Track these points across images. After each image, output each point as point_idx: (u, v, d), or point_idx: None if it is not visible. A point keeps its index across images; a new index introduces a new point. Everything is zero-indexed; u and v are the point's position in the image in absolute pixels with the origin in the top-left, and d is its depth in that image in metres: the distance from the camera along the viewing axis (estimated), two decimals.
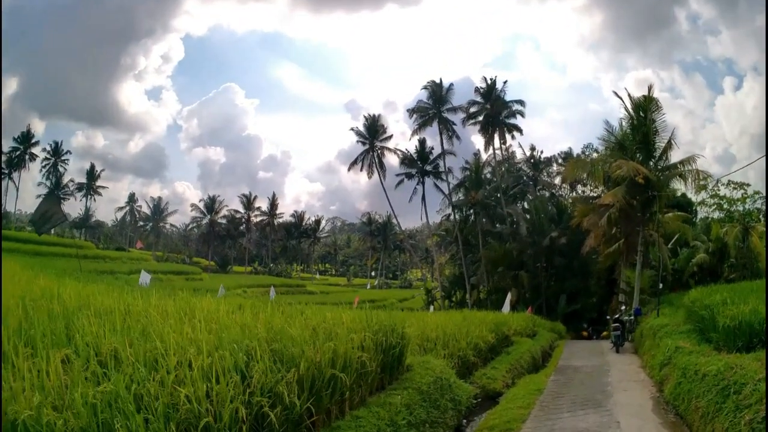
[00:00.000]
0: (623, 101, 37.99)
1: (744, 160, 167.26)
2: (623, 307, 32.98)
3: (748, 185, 66.30)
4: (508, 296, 38.06)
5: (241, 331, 8.48)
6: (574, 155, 72.93)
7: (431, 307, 58.02)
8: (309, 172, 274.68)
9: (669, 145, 36.96)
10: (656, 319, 24.38)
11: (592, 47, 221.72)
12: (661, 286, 31.49)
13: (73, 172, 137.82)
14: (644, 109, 36.84)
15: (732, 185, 66.49)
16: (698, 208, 61.85)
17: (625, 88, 42.96)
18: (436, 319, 20.72)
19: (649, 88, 37.44)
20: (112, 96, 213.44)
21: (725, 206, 65.36)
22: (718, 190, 65.86)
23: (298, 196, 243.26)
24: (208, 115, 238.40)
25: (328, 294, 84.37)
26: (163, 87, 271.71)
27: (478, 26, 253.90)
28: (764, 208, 61.87)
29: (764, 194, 63.34)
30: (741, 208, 63.36)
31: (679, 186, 38.93)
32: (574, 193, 74.13)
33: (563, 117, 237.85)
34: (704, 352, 14.06)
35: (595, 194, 54.35)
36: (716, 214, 64.12)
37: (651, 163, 36.85)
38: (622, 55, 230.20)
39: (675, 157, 37.71)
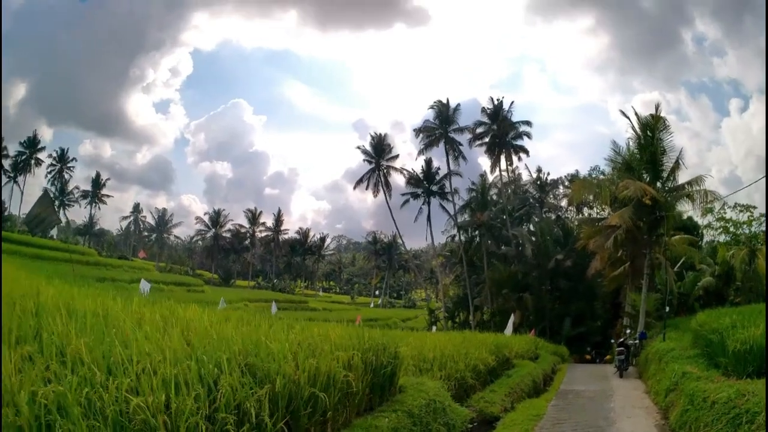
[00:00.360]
0: (630, 120, 37.51)
1: (749, 182, 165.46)
2: (628, 331, 32.27)
3: (755, 207, 65.77)
4: (511, 318, 37.40)
5: (217, 342, 7.82)
6: (581, 177, 71.53)
7: (434, 328, 57.43)
8: (316, 190, 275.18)
9: (677, 165, 36.33)
10: (662, 343, 23.59)
11: (599, 69, 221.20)
12: (667, 309, 30.79)
13: (80, 180, 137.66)
14: (652, 128, 36.24)
15: (738, 208, 65.85)
16: (704, 231, 60.94)
17: (632, 107, 42.38)
18: (435, 340, 20.08)
19: (657, 107, 37.03)
20: (120, 106, 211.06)
21: (731, 229, 64.86)
22: (725, 212, 65.81)
23: (305, 213, 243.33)
24: (215, 130, 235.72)
25: (330, 311, 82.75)
26: (171, 100, 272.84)
27: (486, 47, 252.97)
28: None
29: None
30: (747, 231, 62.83)
31: (686, 208, 38.08)
32: (580, 216, 72.86)
33: (570, 139, 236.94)
34: (713, 378, 13.39)
35: (601, 216, 53.36)
36: (722, 237, 62.57)
37: (658, 184, 36.16)
38: (628, 76, 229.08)
39: (682, 178, 37.14)
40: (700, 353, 17.30)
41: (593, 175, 57.41)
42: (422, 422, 11.08)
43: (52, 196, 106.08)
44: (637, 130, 37.17)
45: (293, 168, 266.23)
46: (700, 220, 56.18)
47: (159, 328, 8.32)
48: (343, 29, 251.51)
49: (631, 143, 38.49)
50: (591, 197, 44.35)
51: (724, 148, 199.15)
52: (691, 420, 11.89)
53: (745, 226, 62.59)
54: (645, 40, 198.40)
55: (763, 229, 59.61)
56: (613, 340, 34.91)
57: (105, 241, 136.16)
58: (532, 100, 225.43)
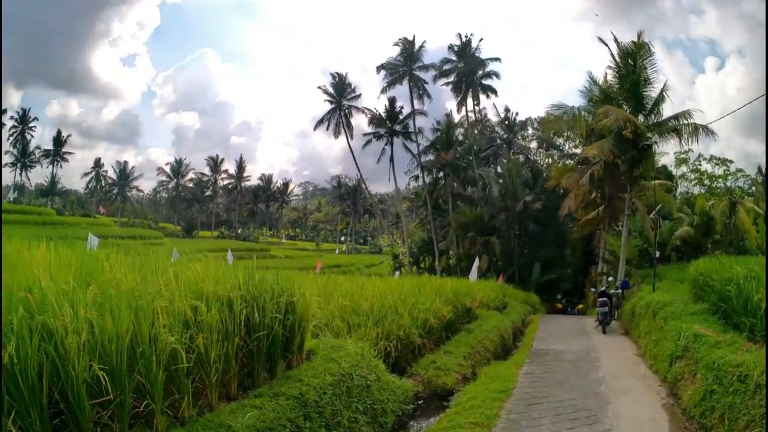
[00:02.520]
0: (609, 48, 33.26)
1: (723, 139, 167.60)
2: (609, 279, 28.63)
3: (731, 162, 65.68)
4: (476, 263, 33.64)
5: None
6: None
7: (397, 273, 54.15)
8: (283, 138, 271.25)
9: (661, 98, 32.26)
10: (653, 294, 19.94)
11: (575, 20, 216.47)
12: (657, 254, 27.24)
13: (49, 141, 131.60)
14: (633, 56, 32.16)
15: (714, 161, 65.79)
16: (678, 182, 59.29)
17: (612, 32, 37.97)
18: (379, 286, 16.40)
19: (639, 34, 32.67)
20: (87, 62, 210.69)
21: (706, 181, 64.06)
22: (699, 164, 66.89)
23: (272, 161, 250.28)
24: (182, 81, 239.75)
25: (292, 258, 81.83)
26: (137, 54, 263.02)
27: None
28: (747, 186, 62.55)
29: (747, 173, 66.10)
30: (723, 185, 64.16)
31: (671, 146, 34.76)
32: (549, 160, 70.11)
33: (543, 91, 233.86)
34: (739, 345, 10.06)
35: (575, 153, 50.16)
36: (696, 189, 64.37)
37: (641, 118, 32.25)
38: (603, 28, 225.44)
39: (667, 113, 32.95)
40: (707, 309, 13.76)
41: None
42: (323, 413, 7.55)
43: (13, 158, 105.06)
44: (617, 58, 33.06)
45: (260, 116, 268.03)
46: (675, 170, 56.04)
47: None
48: None
49: (609, 74, 34.47)
50: (565, 130, 39.95)
51: (697, 104, 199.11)
52: (724, 407, 8.53)
53: (720, 179, 65.10)
54: None
55: (739, 184, 64.12)
56: (593, 289, 31.51)
57: (67, 200, 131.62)
58: (505, 51, 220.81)
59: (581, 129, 34.50)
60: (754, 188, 60.38)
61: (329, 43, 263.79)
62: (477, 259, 34.76)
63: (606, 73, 34.77)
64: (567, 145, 69.05)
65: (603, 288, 24.47)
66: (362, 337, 11.52)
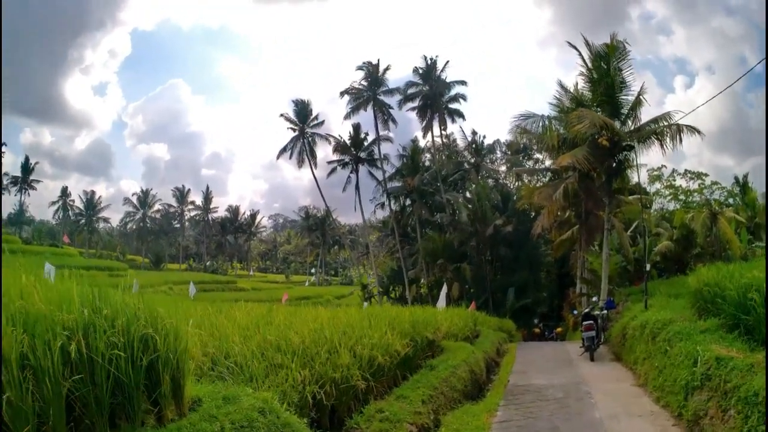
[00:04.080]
0: (579, 52, 30.86)
1: (693, 156, 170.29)
2: (594, 299, 25.71)
3: (706, 175, 66.42)
4: (444, 289, 30.66)
5: None
6: (520, 145, 67.00)
7: (366, 304, 51.53)
8: (253, 170, 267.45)
9: (638, 102, 29.83)
10: (646, 312, 17.15)
11: (541, 44, 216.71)
12: (648, 268, 24.53)
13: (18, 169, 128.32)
14: (607, 59, 29.73)
15: (689, 175, 66.44)
16: (653, 199, 58.89)
17: (582, 34, 35.27)
18: (321, 317, 13.53)
19: (612, 36, 30.21)
20: (59, 90, 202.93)
21: (681, 196, 64.61)
22: (674, 180, 68.43)
23: (243, 193, 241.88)
24: (153, 112, 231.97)
25: (260, 291, 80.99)
26: (109, 82, 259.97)
27: (427, 21, 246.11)
28: (724, 198, 62.52)
29: (722, 186, 66.36)
30: (698, 198, 64.78)
31: (644, 163, 32.75)
32: (519, 183, 68.43)
33: (510, 111, 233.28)
34: None
35: (546, 166, 48.09)
36: (672, 205, 65.06)
37: (617, 125, 29.68)
38: (571, 53, 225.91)
39: (645, 119, 30.63)
40: (721, 324, 11.05)
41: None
42: None
43: None
44: (588, 62, 30.66)
45: (231, 148, 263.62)
46: (649, 187, 55.89)
47: None
48: (280, 1, 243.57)
49: (580, 82, 32.01)
50: (534, 144, 37.36)
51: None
52: None
53: (695, 193, 66.59)
54: (589, 15, 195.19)
55: (715, 197, 63.95)
56: (575, 311, 28.94)
57: (34, 230, 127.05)
58: (471, 75, 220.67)
59: (552, 139, 31.94)
60: (731, 199, 60.60)
61: (299, 75, 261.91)
62: (445, 286, 31.89)
63: (577, 82, 32.49)
64: (537, 164, 67.15)
65: (587, 309, 21.46)
66: (282, 381, 8.65)
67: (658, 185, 66.96)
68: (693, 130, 27.84)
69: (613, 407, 11.16)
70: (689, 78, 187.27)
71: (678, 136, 27.72)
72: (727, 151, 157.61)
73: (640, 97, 29.82)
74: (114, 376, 5.55)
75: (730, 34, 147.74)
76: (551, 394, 13.11)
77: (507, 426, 10.13)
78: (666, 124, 28.41)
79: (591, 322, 18.96)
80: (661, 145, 28.45)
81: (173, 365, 6.35)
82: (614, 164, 29.94)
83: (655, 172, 65.39)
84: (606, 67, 29.63)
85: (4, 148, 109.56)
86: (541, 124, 32.66)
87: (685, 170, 68.12)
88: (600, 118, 27.04)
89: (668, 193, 68.18)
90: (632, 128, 29.83)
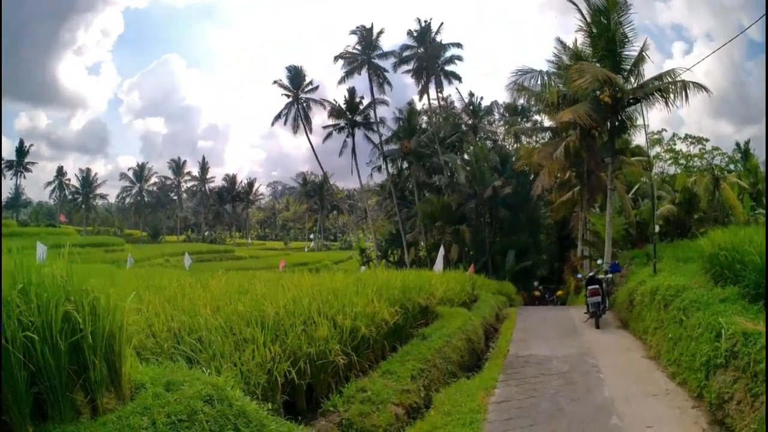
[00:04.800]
0: (577, 6, 29.18)
1: (693, 123, 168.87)
2: (599, 261, 24.50)
3: (707, 140, 66.47)
4: (441, 252, 29.50)
5: None
6: (518, 107, 66.16)
7: (362, 268, 50.83)
8: (251, 140, 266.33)
9: (641, 58, 28.15)
10: (655, 277, 16.01)
11: (540, 7, 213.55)
12: (657, 229, 23.22)
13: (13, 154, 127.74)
14: (607, 13, 28.13)
15: (690, 139, 66.89)
16: (653, 162, 58.68)
17: None
18: (304, 284, 12.47)
19: None
20: (52, 73, 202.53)
21: (681, 161, 66.81)
22: (674, 144, 68.86)
23: (241, 164, 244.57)
24: (148, 87, 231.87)
25: (257, 258, 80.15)
26: (103, 61, 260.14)
27: None
28: (725, 164, 63.09)
29: (723, 152, 66.91)
30: (699, 163, 65.29)
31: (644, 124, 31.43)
32: (517, 145, 67.52)
33: (507, 76, 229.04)
34: None
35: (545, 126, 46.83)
36: (672, 169, 64.93)
37: (619, 80, 28.20)
38: (570, 17, 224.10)
39: (648, 75, 29.00)
40: (741, 293, 9.96)
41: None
42: None
43: None
44: (587, 17, 29.07)
45: (227, 119, 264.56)
46: (650, 151, 53.60)
47: None
48: None
49: (580, 38, 30.41)
50: (532, 101, 35.78)
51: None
52: None
53: (696, 158, 67.70)
54: None
55: (716, 162, 64.13)
56: (579, 275, 27.67)
57: (30, 212, 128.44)
58: (466, 39, 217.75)
59: (552, 96, 30.58)
60: (732, 166, 60.70)
61: (295, 45, 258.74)
62: (442, 249, 30.67)
63: (576, 39, 31.00)
64: (536, 125, 65.91)
65: (591, 273, 20.15)
66: (248, 359, 7.56)
67: (658, 149, 66.65)
68: (700, 87, 26.33)
69: (623, 384, 10.03)
70: (688, 44, 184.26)
71: (684, 93, 26.25)
72: (726, 117, 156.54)
73: (643, 53, 28.26)
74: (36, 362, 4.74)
75: (729, 2, 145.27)
76: (555, 367, 12.00)
77: (506, 408, 8.99)
78: (671, 80, 26.95)
79: (596, 286, 17.71)
80: (666, 103, 26.94)
81: (104, 347, 5.35)
82: (617, 122, 28.55)
83: (656, 136, 65.17)
84: (606, 22, 28.07)
85: None
86: (539, 80, 31.26)
87: (686, 134, 67.49)
88: (602, 72, 25.54)
89: (668, 157, 68.03)
90: (635, 85, 28.39)
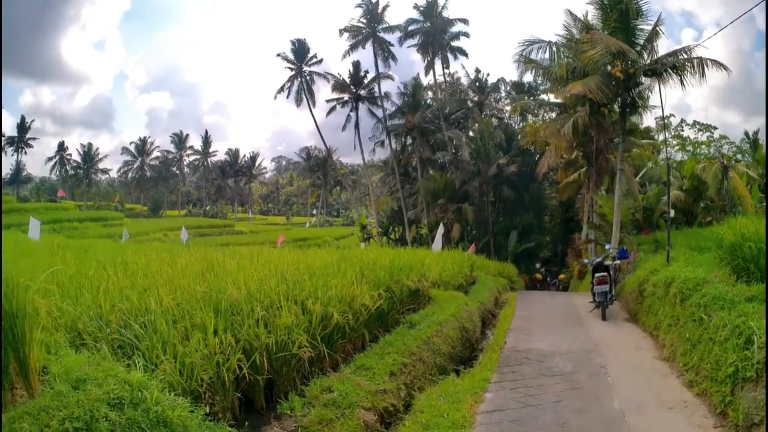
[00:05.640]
0: None
1: (700, 110, 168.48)
2: (607, 247, 23.12)
3: (715, 128, 68.93)
4: (440, 230, 28.07)
5: None
6: (525, 85, 65.08)
7: (362, 245, 49.93)
8: (256, 115, 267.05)
9: (655, 33, 26.56)
10: (669, 267, 14.57)
11: None
12: (672, 213, 21.71)
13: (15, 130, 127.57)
14: None
15: (698, 126, 69.63)
16: (660, 148, 57.37)
17: None
18: (283, 261, 11.30)
19: None
20: (57, 49, 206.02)
21: (689, 148, 67.03)
22: (682, 130, 69.10)
23: (246, 138, 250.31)
24: (154, 63, 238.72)
25: (258, 234, 79.28)
26: (108, 38, 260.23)
27: None
28: (732, 154, 61.04)
29: (731, 140, 67.02)
30: (707, 151, 65.31)
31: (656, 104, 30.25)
32: (523, 123, 65.96)
33: (514, 53, 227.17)
34: None
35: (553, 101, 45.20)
36: (679, 156, 64.54)
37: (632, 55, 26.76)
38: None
39: (662, 52, 27.47)
40: None
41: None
42: None
43: None
44: None
45: (233, 95, 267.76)
46: (657, 136, 52.18)
47: None
48: None
49: (591, 11, 28.76)
50: (539, 74, 34.08)
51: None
52: None
53: (704, 146, 67.47)
54: None
55: (724, 151, 62.66)
56: (585, 260, 26.25)
57: (33, 187, 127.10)
58: (474, 14, 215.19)
59: (561, 69, 29.10)
60: (739, 156, 59.03)
61: (302, 19, 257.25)
62: (441, 227, 29.30)
63: (587, 11, 29.42)
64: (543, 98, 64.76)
65: (599, 259, 18.59)
66: (194, 350, 6.35)
67: (666, 135, 64.89)
68: (719, 65, 24.84)
69: (635, 391, 8.68)
70: (697, 32, 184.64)
71: (702, 70, 24.73)
72: (734, 107, 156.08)
73: (657, 28, 26.73)
74: None
75: None
76: (557, 366, 10.64)
77: (498, 419, 7.60)
78: (686, 57, 25.47)
79: (605, 274, 16.25)
80: (681, 82, 25.48)
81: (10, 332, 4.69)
82: (628, 99, 27.13)
83: (663, 121, 63.90)
84: None
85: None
86: (548, 53, 29.80)
87: (694, 121, 66.86)
88: (615, 42, 23.91)
89: (675, 143, 67.51)
90: (648, 61, 26.89)
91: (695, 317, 9.80)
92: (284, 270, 10.28)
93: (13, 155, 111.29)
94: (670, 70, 25.65)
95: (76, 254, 14.60)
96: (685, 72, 25.19)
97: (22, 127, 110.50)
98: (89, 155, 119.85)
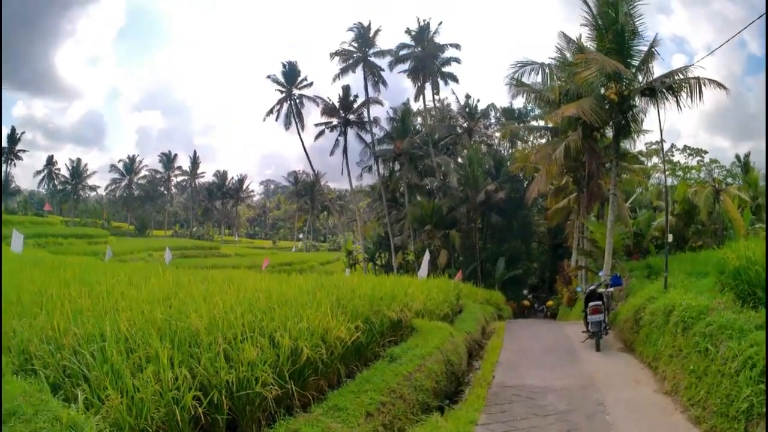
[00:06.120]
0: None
1: (689, 135, 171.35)
2: (600, 274, 22.50)
3: (706, 152, 70.46)
4: (426, 257, 27.30)
5: None
6: (515, 111, 66.00)
7: (348, 271, 49.22)
8: (246, 137, 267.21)
9: (651, 54, 26.28)
10: (667, 294, 13.83)
11: (541, 14, 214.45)
12: (670, 238, 21.05)
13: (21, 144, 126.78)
14: (615, 5, 26.13)
15: (688, 151, 71.35)
16: (651, 173, 59.08)
17: None
18: (257, 288, 10.57)
19: None
20: (51, 63, 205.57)
21: (679, 172, 68.27)
22: (672, 155, 70.53)
23: (235, 161, 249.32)
24: (146, 81, 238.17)
25: (243, 257, 78.19)
26: (102, 53, 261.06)
27: None
28: (723, 177, 62.86)
29: (722, 164, 68.46)
30: (697, 175, 66.68)
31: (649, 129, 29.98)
32: (512, 150, 66.41)
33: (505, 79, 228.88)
34: None
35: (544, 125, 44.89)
36: (670, 181, 63.94)
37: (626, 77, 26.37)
38: (568, 24, 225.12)
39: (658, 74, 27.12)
40: None
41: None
42: None
43: None
44: (593, 9, 27.14)
45: (224, 116, 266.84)
46: (647, 161, 54.87)
47: None
48: None
49: (585, 33, 28.57)
50: (531, 97, 33.67)
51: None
52: None
53: (694, 171, 68.74)
54: None
55: (715, 175, 64.26)
56: (579, 288, 25.48)
57: (20, 200, 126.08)
58: (465, 40, 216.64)
59: (553, 92, 28.75)
60: (730, 179, 60.97)
61: (295, 41, 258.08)
62: (427, 253, 28.63)
63: (581, 34, 29.29)
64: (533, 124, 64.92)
65: (592, 287, 17.81)
66: (144, 385, 5.58)
67: (656, 159, 65.67)
68: (717, 84, 24.42)
69: None
70: (688, 57, 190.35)
71: (699, 91, 24.27)
72: (724, 132, 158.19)
73: (653, 49, 26.33)
74: None
75: (731, 17, 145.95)
76: (551, 405, 9.75)
77: None
78: (683, 77, 25.00)
79: (599, 303, 15.43)
80: (678, 103, 24.99)
81: None
82: (622, 122, 26.62)
83: (654, 146, 64.32)
84: (615, 15, 26.14)
85: None
86: (540, 75, 29.49)
87: (685, 146, 67.60)
88: (611, 62, 23.45)
89: (667, 168, 66.90)
90: (644, 83, 26.42)
91: (700, 348, 9.04)
92: (253, 298, 9.47)
93: (2, 166, 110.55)
94: (666, 91, 25.23)
95: (45, 271, 14.05)
96: (681, 93, 24.77)
97: (12, 138, 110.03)
98: (78, 171, 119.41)
